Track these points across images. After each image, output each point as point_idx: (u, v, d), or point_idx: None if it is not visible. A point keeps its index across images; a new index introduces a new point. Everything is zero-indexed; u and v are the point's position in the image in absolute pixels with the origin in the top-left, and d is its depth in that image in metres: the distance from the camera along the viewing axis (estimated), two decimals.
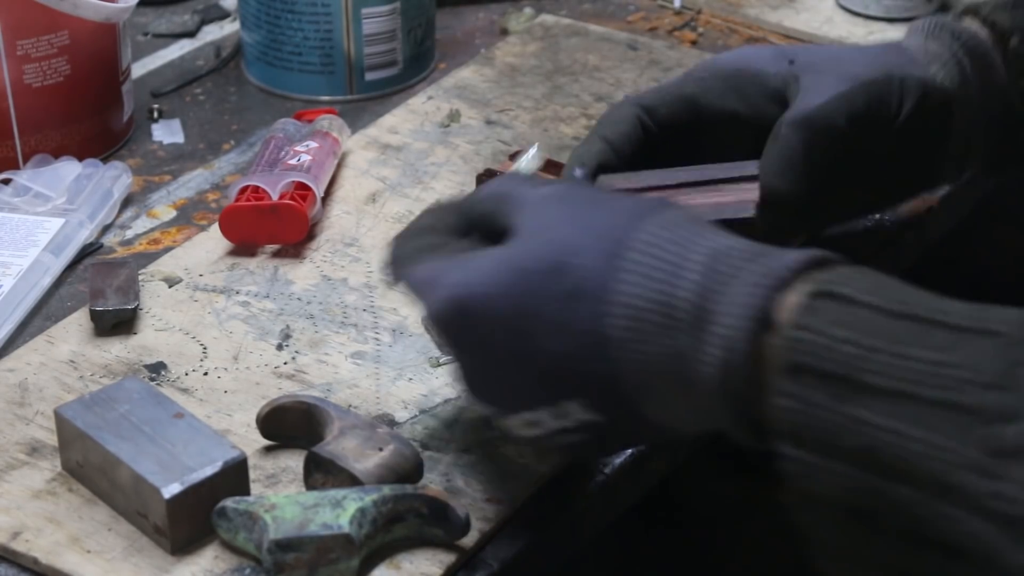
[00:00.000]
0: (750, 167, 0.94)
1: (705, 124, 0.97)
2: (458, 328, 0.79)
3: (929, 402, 0.64)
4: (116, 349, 0.98)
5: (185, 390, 0.94)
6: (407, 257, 0.83)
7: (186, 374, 0.96)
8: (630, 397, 0.76)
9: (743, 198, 0.93)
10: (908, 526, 0.65)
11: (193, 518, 0.83)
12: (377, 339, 0.99)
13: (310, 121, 1.17)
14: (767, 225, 0.91)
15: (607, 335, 0.75)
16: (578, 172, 0.96)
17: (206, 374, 0.96)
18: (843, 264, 0.72)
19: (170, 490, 0.82)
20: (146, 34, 1.37)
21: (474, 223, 0.84)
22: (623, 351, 0.75)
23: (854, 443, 0.66)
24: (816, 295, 0.69)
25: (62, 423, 0.87)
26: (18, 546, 0.84)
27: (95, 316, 0.99)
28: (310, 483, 0.86)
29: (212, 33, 1.38)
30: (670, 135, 0.97)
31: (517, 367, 0.78)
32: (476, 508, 0.86)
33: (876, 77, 0.93)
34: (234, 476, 0.84)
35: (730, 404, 0.71)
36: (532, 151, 0.99)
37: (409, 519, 0.83)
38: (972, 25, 0.98)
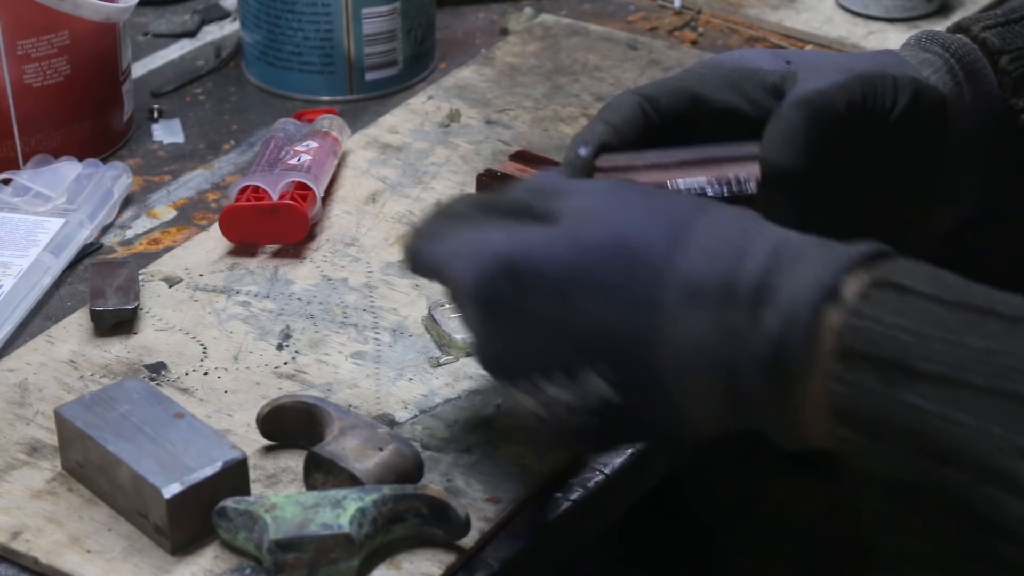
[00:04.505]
0: (751, 147, 0.95)
1: (704, 117, 0.98)
2: (499, 290, 0.78)
3: (980, 389, 0.66)
4: (116, 349, 0.98)
5: (185, 390, 0.95)
6: (433, 235, 0.82)
7: (186, 374, 0.96)
8: (664, 375, 0.76)
9: (743, 175, 0.93)
10: (956, 505, 0.66)
11: (193, 518, 0.83)
12: (377, 339, 0.99)
13: (310, 121, 1.17)
14: (768, 202, 0.91)
15: (661, 304, 0.75)
16: (582, 151, 0.97)
17: (206, 374, 0.96)
18: (903, 257, 0.73)
19: (170, 490, 0.82)
20: (146, 34, 1.37)
21: (504, 214, 0.82)
22: (673, 323, 0.74)
23: (904, 426, 0.67)
24: (875, 284, 0.71)
25: (62, 423, 0.87)
26: (18, 546, 0.84)
27: (95, 316, 0.99)
28: (310, 483, 0.86)
29: (212, 33, 1.38)
30: (670, 126, 0.98)
31: (556, 333, 0.77)
32: (476, 508, 0.86)
33: (871, 71, 0.94)
34: (234, 476, 0.84)
35: (774, 384, 0.72)
36: None
37: (409, 519, 0.83)
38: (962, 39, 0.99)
